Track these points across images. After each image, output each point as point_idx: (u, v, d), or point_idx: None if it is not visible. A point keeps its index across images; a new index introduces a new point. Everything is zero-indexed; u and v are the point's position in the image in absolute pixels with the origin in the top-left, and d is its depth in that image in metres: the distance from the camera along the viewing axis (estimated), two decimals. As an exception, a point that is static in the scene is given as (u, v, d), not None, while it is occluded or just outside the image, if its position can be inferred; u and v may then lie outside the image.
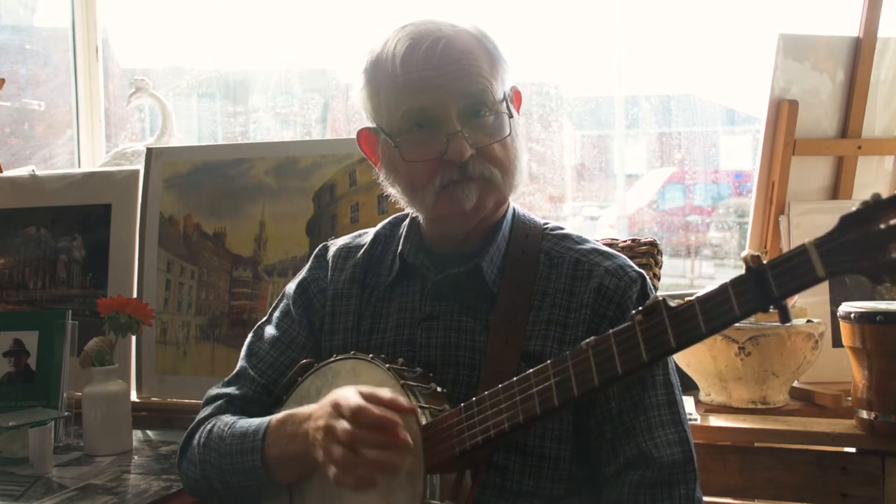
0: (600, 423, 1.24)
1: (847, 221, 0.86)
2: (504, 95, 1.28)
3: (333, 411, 1.12)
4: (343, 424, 1.09)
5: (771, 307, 0.90)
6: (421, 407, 1.15)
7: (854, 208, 0.86)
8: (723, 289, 0.93)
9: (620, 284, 1.27)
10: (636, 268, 1.32)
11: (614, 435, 1.23)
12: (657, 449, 1.20)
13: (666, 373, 1.26)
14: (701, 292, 1.97)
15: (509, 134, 1.27)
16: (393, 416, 1.07)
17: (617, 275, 1.28)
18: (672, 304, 0.97)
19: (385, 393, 1.11)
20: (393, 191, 1.35)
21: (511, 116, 1.28)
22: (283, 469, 1.25)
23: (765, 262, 0.90)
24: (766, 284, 0.89)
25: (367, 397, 1.10)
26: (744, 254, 0.91)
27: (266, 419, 1.29)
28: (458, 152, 1.22)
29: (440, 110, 1.23)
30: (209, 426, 1.36)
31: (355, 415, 1.09)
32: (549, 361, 1.06)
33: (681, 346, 0.96)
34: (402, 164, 1.28)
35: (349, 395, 1.12)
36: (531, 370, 1.07)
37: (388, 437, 1.07)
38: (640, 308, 0.99)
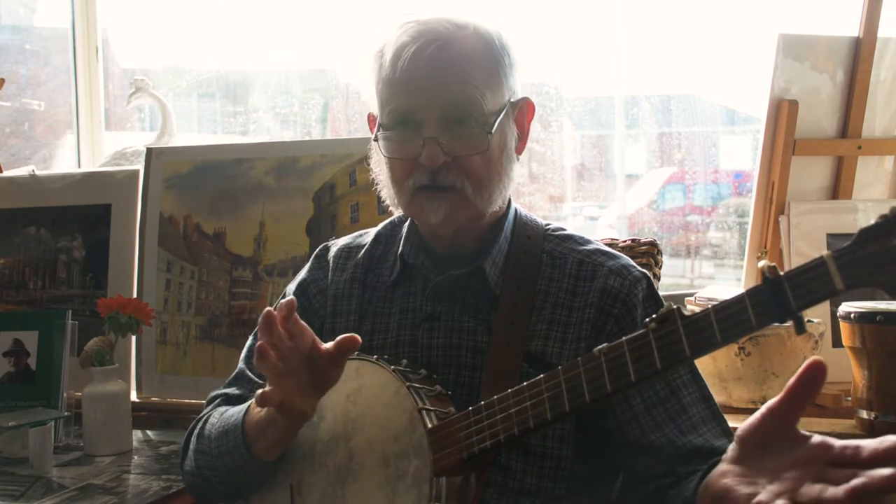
0: (621, 425, 1.23)
1: (866, 234, 0.86)
2: (504, 106, 1.27)
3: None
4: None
5: (787, 319, 0.90)
6: (427, 409, 1.15)
7: (873, 221, 0.86)
8: (739, 299, 0.92)
9: (625, 283, 1.28)
10: (639, 268, 1.32)
11: (644, 433, 1.21)
12: (709, 442, 1.19)
13: (692, 369, 1.26)
14: (702, 292, 1.97)
15: (487, 149, 1.24)
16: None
17: (621, 274, 1.29)
18: (686, 312, 0.97)
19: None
20: (379, 182, 1.36)
21: (490, 132, 1.24)
22: (260, 438, 1.23)
23: (781, 273, 0.89)
24: (783, 296, 0.88)
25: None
26: (760, 264, 0.90)
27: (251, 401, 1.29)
28: (429, 157, 1.22)
29: (421, 113, 1.23)
30: (204, 419, 1.38)
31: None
32: (559, 367, 1.06)
33: (695, 355, 0.96)
34: (384, 159, 1.30)
35: None
36: (541, 375, 1.07)
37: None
38: (654, 316, 0.98)
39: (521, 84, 1.33)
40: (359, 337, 1.14)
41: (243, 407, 1.29)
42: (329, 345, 1.14)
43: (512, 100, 1.29)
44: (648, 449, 1.21)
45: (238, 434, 1.25)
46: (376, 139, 1.29)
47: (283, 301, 1.14)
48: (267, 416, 1.21)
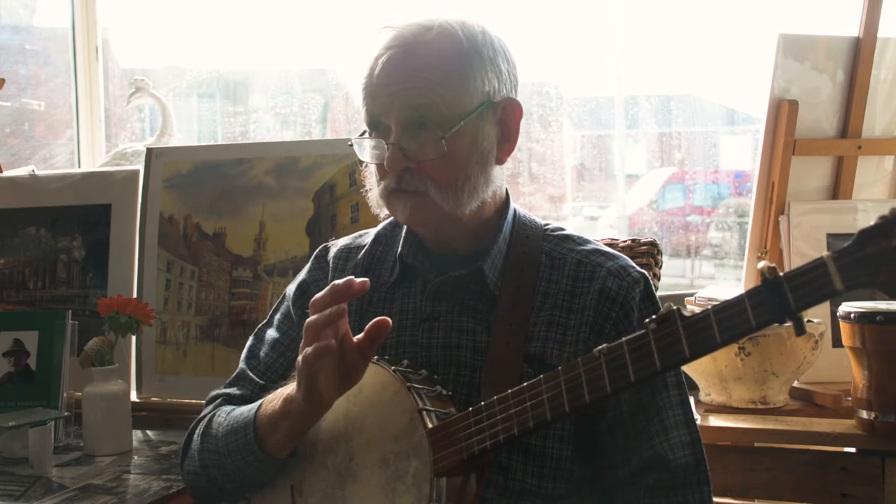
0: (611, 427, 1.24)
1: (865, 235, 0.86)
2: (475, 107, 1.24)
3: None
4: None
5: (787, 320, 0.90)
6: (427, 410, 1.15)
7: (873, 222, 0.86)
8: (739, 300, 0.92)
9: (623, 285, 1.27)
10: (638, 268, 1.31)
11: (627, 437, 1.23)
12: (672, 451, 1.21)
13: (677, 374, 1.27)
14: (702, 292, 1.98)
15: (444, 154, 1.22)
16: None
17: (619, 275, 1.28)
18: (686, 313, 0.97)
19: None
20: (368, 183, 1.37)
21: (444, 137, 1.22)
22: (272, 432, 1.23)
23: (781, 273, 0.89)
24: (782, 297, 0.89)
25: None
26: (760, 265, 0.90)
27: (262, 399, 1.30)
28: (389, 163, 1.24)
29: (384, 118, 1.25)
30: (209, 418, 1.37)
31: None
32: (559, 367, 1.06)
33: (695, 356, 0.96)
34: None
35: None
36: (541, 376, 1.07)
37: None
38: (654, 316, 0.98)
39: (511, 83, 1.30)
40: (389, 319, 1.14)
41: (254, 405, 1.29)
42: (360, 336, 1.14)
43: (493, 99, 1.27)
44: (627, 452, 1.23)
45: (250, 431, 1.25)
46: (351, 144, 1.31)
47: (359, 280, 1.13)
48: (282, 409, 1.21)
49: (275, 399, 1.24)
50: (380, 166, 1.28)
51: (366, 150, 1.30)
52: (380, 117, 1.26)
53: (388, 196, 1.28)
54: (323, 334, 1.11)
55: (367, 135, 1.30)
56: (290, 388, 1.21)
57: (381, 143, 1.26)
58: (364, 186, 1.37)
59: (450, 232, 1.31)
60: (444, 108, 1.22)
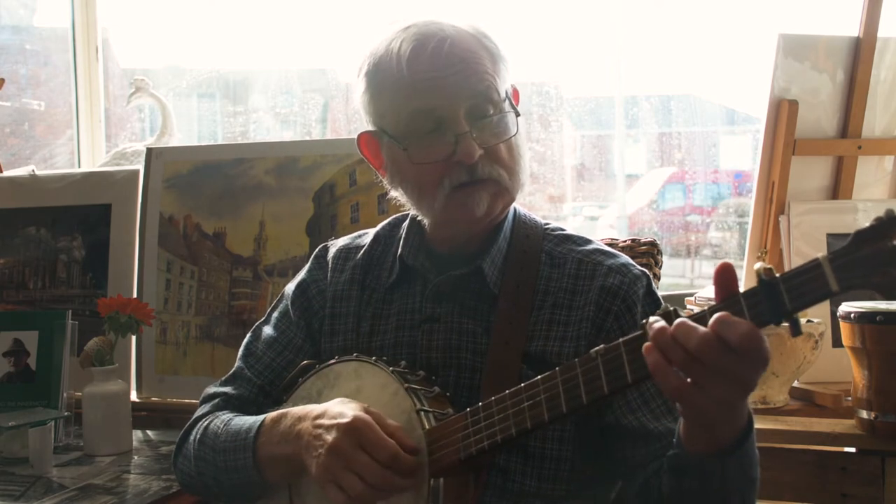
0: (619, 418, 1.23)
1: (861, 237, 0.86)
2: (506, 94, 1.28)
3: (347, 434, 1.12)
4: (365, 458, 1.10)
5: (783, 321, 0.90)
6: (424, 410, 1.15)
7: (868, 224, 0.86)
8: (735, 301, 0.92)
9: (625, 281, 1.28)
10: (639, 266, 1.32)
11: (641, 423, 1.22)
12: None
13: None
14: (702, 292, 1.97)
15: (516, 133, 1.27)
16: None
17: (621, 272, 1.29)
18: (683, 314, 0.97)
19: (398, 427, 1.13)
20: (397, 193, 1.34)
21: (518, 115, 1.28)
22: (274, 468, 1.25)
23: (777, 275, 0.89)
24: (778, 298, 0.89)
25: (395, 430, 1.12)
26: (756, 266, 0.90)
27: (261, 417, 1.29)
28: (468, 153, 1.21)
29: (448, 110, 1.22)
30: (206, 423, 1.36)
31: (391, 460, 1.10)
32: (557, 368, 1.05)
33: None
34: (410, 167, 1.26)
35: (369, 427, 1.12)
36: (539, 377, 1.07)
37: (407, 483, 1.10)
38: (651, 317, 0.98)
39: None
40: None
41: (253, 425, 1.28)
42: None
43: (508, 86, 1.30)
44: (647, 437, 1.21)
45: (249, 457, 1.26)
46: (404, 148, 1.24)
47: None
48: (284, 454, 1.21)
49: (278, 438, 1.23)
50: (437, 164, 1.23)
51: (419, 151, 1.24)
52: (438, 110, 1.22)
53: (454, 192, 1.24)
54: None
55: (400, 139, 1.25)
56: (295, 430, 1.20)
57: (447, 136, 1.22)
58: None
59: (489, 223, 1.31)
60: (496, 91, 1.25)
